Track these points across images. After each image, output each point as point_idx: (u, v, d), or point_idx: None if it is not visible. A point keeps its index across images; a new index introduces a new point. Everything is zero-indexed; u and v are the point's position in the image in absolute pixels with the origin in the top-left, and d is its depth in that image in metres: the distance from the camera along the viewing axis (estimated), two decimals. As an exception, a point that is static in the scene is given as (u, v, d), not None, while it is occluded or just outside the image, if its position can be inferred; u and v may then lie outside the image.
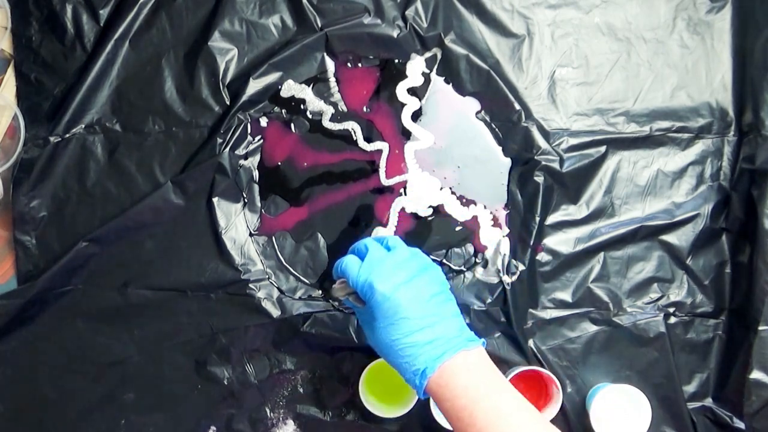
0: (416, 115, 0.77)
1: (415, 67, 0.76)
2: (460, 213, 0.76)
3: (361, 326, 0.66)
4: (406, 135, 0.77)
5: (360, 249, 0.63)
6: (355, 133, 0.77)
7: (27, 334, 0.76)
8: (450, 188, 0.76)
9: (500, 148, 0.76)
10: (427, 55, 0.76)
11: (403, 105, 0.76)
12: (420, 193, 0.76)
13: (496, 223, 0.76)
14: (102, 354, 0.76)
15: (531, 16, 0.76)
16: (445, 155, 0.77)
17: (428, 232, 0.76)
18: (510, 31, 0.76)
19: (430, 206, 0.76)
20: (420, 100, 0.76)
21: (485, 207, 0.76)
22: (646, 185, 0.75)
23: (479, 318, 0.75)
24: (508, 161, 0.76)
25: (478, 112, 0.76)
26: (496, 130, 0.76)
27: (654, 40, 0.76)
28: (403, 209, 0.76)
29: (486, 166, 0.76)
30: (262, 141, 0.77)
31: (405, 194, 0.76)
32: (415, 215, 0.76)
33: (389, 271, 0.59)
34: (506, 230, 0.76)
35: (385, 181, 0.77)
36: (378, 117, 0.77)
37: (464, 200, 0.76)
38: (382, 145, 0.77)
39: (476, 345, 0.58)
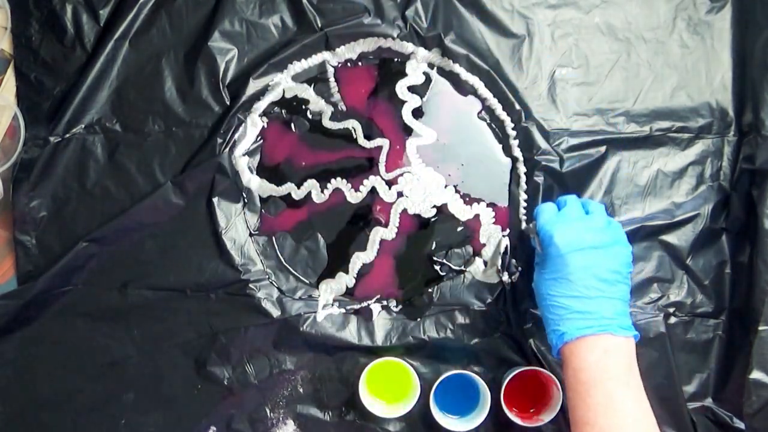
0: (417, 114, 0.77)
1: (416, 66, 0.76)
2: (462, 212, 0.76)
3: (534, 267, 0.67)
4: (407, 131, 0.77)
5: (561, 201, 0.65)
6: (355, 131, 0.77)
7: (27, 334, 0.76)
8: (454, 186, 0.76)
9: (501, 147, 0.76)
10: (427, 55, 0.76)
11: (403, 102, 0.76)
12: (424, 190, 0.76)
13: (497, 222, 0.76)
14: (102, 354, 0.76)
15: (531, 16, 0.76)
16: (449, 152, 0.77)
17: (430, 234, 0.76)
18: (510, 31, 0.76)
19: (434, 206, 0.76)
20: (421, 98, 0.77)
21: (488, 206, 0.76)
22: (646, 185, 0.75)
23: (479, 318, 0.75)
24: (509, 161, 0.76)
25: (479, 112, 0.76)
26: (497, 130, 0.76)
27: (654, 40, 0.76)
28: (405, 210, 0.76)
29: (488, 166, 0.76)
30: (262, 141, 0.77)
31: (407, 195, 0.76)
32: (417, 216, 0.76)
33: (574, 231, 0.61)
34: (507, 230, 0.76)
35: (386, 175, 0.76)
36: (378, 114, 0.77)
37: (467, 199, 0.76)
38: (382, 142, 0.76)
39: (626, 334, 0.59)
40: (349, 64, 0.77)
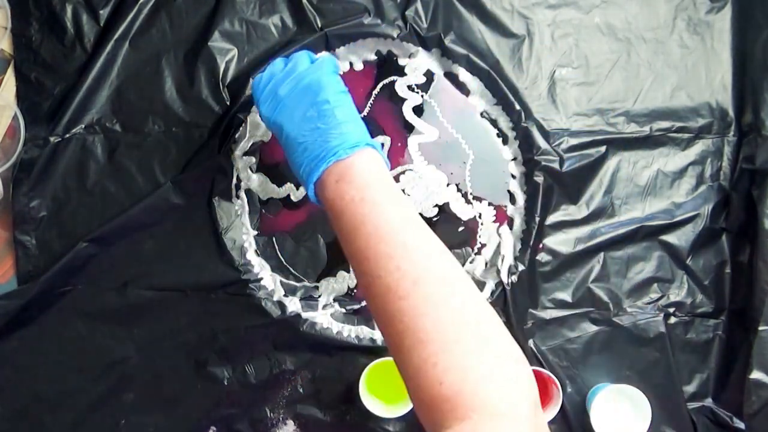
0: (418, 112, 0.77)
1: (416, 65, 0.76)
2: (464, 211, 0.76)
3: None
4: (409, 129, 0.76)
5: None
6: (355, 131, 0.77)
7: (27, 334, 0.76)
8: (456, 185, 0.76)
9: (502, 146, 0.76)
10: (427, 55, 0.76)
11: (403, 100, 0.76)
12: (426, 188, 0.76)
13: (497, 222, 0.76)
14: (102, 354, 0.76)
15: (531, 16, 0.76)
16: (451, 150, 0.76)
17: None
18: (510, 31, 0.76)
19: (435, 205, 0.76)
20: (422, 96, 0.76)
21: (489, 205, 0.76)
22: (646, 185, 0.75)
23: (479, 318, 0.75)
24: (510, 160, 0.76)
25: (482, 112, 0.76)
26: (498, 129, 0.76)
27: (654, 40, 0.76)
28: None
29: (491, 165, 0.76)
30: (262, 141, 0.77)
31: (409, 194, 0.76)
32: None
33: (269, 92, 0.59)
34: (507, 230, 0.76)
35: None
36: (379, 112, 0.77)
37: (469, 198, 0.76)
38: (383, 139, 0.76)
39: (353, 151, 0.55)
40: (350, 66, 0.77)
